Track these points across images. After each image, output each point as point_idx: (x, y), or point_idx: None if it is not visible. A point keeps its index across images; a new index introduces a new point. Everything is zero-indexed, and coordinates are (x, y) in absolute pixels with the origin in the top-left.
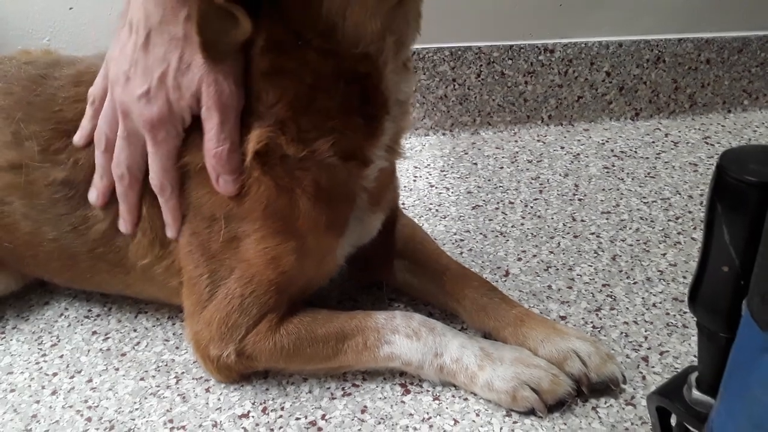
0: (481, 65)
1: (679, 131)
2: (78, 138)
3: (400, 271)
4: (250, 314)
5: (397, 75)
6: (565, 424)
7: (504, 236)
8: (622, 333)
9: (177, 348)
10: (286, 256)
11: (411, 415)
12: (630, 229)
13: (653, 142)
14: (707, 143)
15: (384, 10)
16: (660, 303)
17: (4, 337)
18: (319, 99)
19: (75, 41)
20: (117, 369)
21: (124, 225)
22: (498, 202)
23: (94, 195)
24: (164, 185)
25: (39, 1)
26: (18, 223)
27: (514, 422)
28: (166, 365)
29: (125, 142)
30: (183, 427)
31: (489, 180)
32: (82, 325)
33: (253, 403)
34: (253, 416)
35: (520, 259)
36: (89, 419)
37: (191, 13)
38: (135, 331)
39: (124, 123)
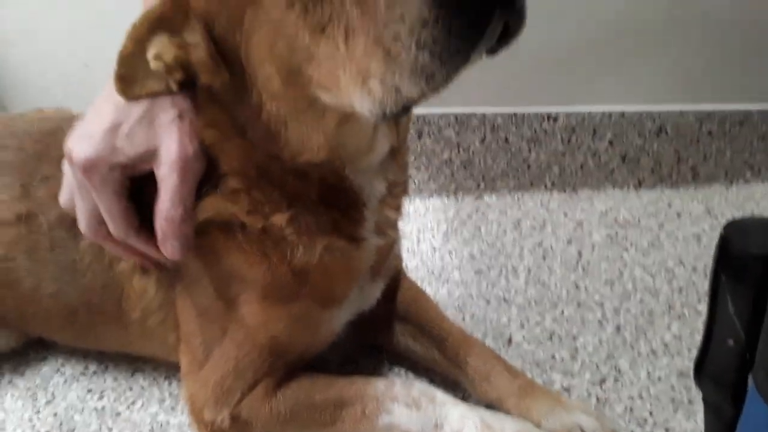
0: (486, 131)
1: (682, 202)
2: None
3: (401, 335)
4: (245, 378)
5: (368, 173)
6: None
7: (507, 303)
8: (626, 407)
9: (173, 409)
10: (273, 321)
11: None
12: (634, 299)
13: (656, 212)
14: (710, 215)
15: (327, 128)
16: (665, 377)
17: None
18: (270, 180)
19: (89, 98)
20: (110, 429)
21: (143, 264)
22: (501, 268)
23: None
24: (120, 232)
25: (55, 59)
26: (21, 279)
27: None
28: (161, 427)
29: (78, 195)
30: None
31: (492, 245)
32: (77, 382)
33: None
34: None
35: (523, 327)
36: None
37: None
38: (131, 389)
39: (71, 172)
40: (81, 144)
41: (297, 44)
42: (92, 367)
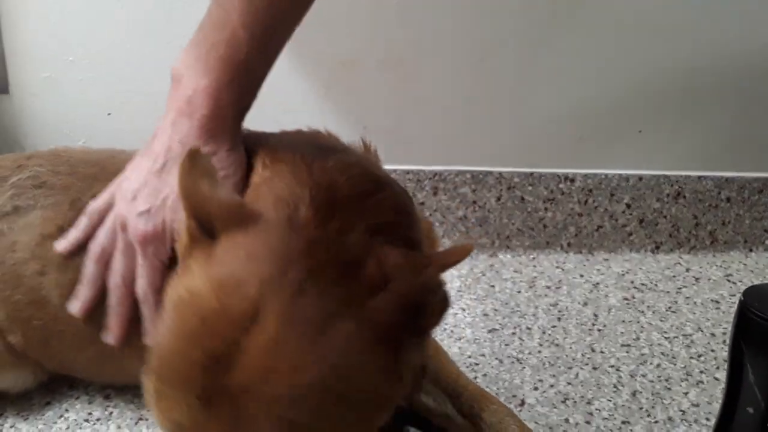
0: (502, 189)
1: (701, 267)
2: (62, 245)
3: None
4: None
5: None
6: None
7: (520, 363)
8: None
9: None
10: None
11: None
12: (651, 364)
13: (674, 276)
14: (729, 281)
15: None
16: None
17: None
18: None
19: (110, 145)
20: None
21: (110, 337)
22: (515, 327)
23: (76, 306)
24: (147, 295)
25: (79, 104)
26: (50, 295)
27: None
28: None
29: (122, 254)
30: None
31: (506, 304)
32: (80, 428)
33: None
34: None
35: (536, 389)
36: None
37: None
38: None
39: (122, 236)
40: (141, 219)
41: None
42: (96, 414)
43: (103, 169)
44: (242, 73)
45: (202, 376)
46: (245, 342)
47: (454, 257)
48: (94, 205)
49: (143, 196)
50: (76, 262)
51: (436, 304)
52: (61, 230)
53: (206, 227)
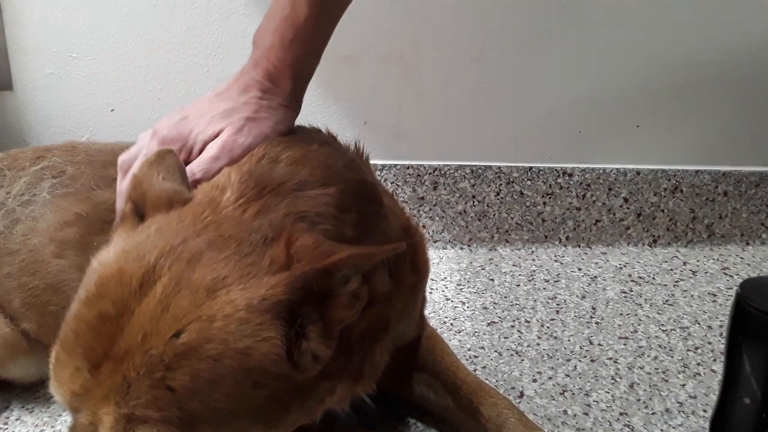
0: (501, 184)
1: (698, 260)
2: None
3: (417, 383)
4: None
5: None
6: None
7: (519, 355)
8: None
9: None
10: None
11: None
12: (648, 356)
13: (671, 269)
14: (726, 274)
15: None
16: None
17: (7, 429)
18: None
19: (114, 141)
20: None
21: None
22: (514, 320)
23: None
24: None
25: (83, 101)
26: (69, 278)
27: None
28: None
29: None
30: None
31: (505, 297)
32: None
33: None
34: None
35: (535, 381)
36: None
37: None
38: None
39: (148, 145)
40: (172, 123)
41: None
42: None
43: (117, 156)
44: (304, 33)
45: (93, 339)
46: (135, 305)
47: (368, 253)
48: (125, 157)
49: (188, 112)
50: (93, 243)
51: (345, 296)
52: (80, 218)
53: (139, 210)
